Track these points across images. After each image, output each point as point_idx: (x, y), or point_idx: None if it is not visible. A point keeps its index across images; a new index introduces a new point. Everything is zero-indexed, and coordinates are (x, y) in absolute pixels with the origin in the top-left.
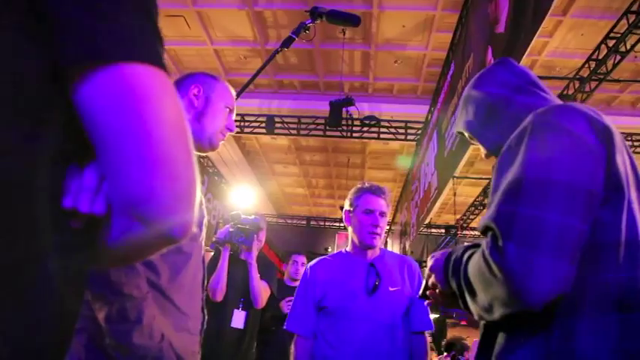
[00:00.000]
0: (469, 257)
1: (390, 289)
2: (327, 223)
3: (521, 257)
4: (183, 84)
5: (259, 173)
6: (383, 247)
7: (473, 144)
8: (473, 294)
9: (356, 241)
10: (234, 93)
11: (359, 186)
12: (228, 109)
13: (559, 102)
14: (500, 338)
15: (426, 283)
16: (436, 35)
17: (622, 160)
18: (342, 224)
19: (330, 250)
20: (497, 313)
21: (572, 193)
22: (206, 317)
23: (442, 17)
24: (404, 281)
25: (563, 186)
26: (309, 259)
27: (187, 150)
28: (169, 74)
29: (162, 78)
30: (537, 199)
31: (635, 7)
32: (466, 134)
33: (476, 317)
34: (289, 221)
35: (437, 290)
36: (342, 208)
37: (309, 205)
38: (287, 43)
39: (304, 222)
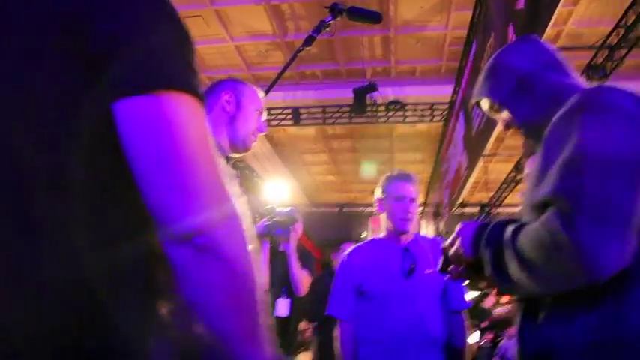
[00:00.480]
0: (516, 230)
1: (426, 271)
2: (359, 209)
3: (594, 231)
4: (214, 91)
5: (289, 164)
6: (417, 230)
7: (492, 115)
8: (527, 267)
9: (390, 227)
10: (262, 95)
11: (389, 174)
12: (258, 112)
13: (586, 82)
14: (546, 308)
15: (446, 255)
16: (455, 14)
17: None
18: (374, 209)
19: (365, 235)
20: (558, 286)
21: (633, 168)
22: None
23: None
24: (438, 263)
25: (625, 162)
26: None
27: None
28: (200, 99)
29: (190, 102)
30: (603, 175)
31: None
32: (486, 104)
33: (517, 289)
34: (322, 209)
35: (461, 259)
36: (374, 192)
37: (341, 192)
38: (309, 42)
39: (337, 209)
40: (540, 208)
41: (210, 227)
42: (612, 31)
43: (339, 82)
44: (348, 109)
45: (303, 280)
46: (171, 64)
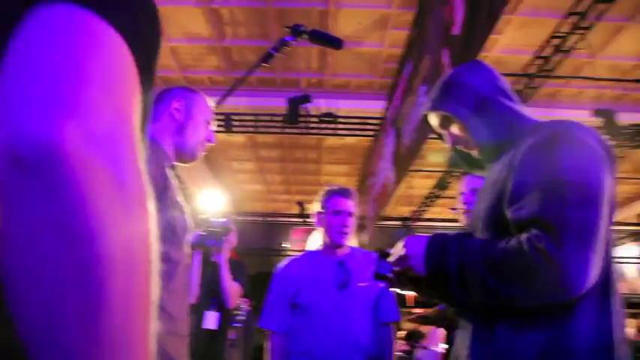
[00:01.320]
0: (485, 246)
1: (360, 284)
2: (282, 219)
3: (577, 253)
4: (164, 98)
5: (215, 171)
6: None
7: (438, 129)
8: (506, 282)
9: (327, 240)
10: (212, 105)
11: (328, 188)
12: (207, 122)
13: (528, 113)
14: (501, 320)
15: (382, 264)
16: (391, 32)
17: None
18: (298, 219)
19: (285, 245)
20: (537, 300)
21: (603, 198)
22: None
23: (397, 15)
24: (372, 277)
25: (598, 193)
26: (267, 256)
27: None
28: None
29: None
30: (582, 203)
31: (576, 9)
32: (434, 119)
33: (481, 302)
34: (246, 218)
35: (404, 273)
36: (299, 203)
37: (265, 202)
38: (267, 58)
39: (260, 218)
40: (523, 226)
41: (50, 128)
42: (531, 62)
43: (272, 90)
44: (280, 118)
45: (233, 292)
46: None
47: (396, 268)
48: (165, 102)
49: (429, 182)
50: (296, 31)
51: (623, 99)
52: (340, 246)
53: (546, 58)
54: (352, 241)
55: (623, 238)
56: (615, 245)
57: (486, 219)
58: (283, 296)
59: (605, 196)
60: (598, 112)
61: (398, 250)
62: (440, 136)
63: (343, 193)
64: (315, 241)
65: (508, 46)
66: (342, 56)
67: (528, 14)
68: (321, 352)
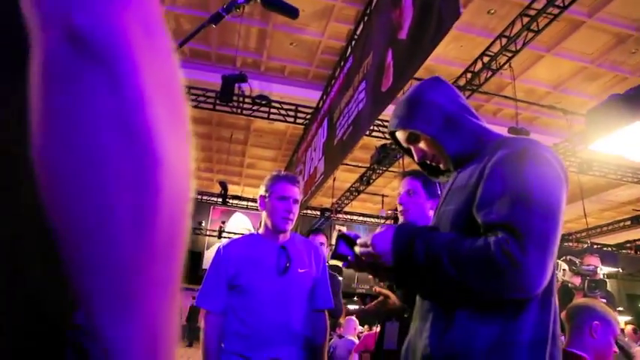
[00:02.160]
0: (453, 243)
1: (299, 270)
2: (203, 197)
3: (538, 258)
4: None
5: None
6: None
7: (406, 144)
8: (472, 277)
9: (269, 224)
10: None
11: (275, 173)
12: None
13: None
14: (458, 313)
15: (341, 245)
16: (334, 24)
17: None
18: (218, 199)
19: (203, 224)
20: (497, 296)
21: (559, 213)
22: None
23: (342, 8)
24: (311, 263)
25: (555, 208)
26: (196, 234)
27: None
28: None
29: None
30: (544, 214)
31: (507, 33)
32: (402, 134)
33: (444, 292)
34: None
35: (375, 263)
36: (221, 183)
37: None
38: (215, 19)
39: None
40: (490, 228)
41: (112, 5)
42: (462, 74)
43: (207, 65)
44: (213, 94)
45: None
46: None
47: (363, 257)
48: None
49: (353, 176)
50: None
51: (536, 121)
52: (283, 231)
53: (475, 73)
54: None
55: None
56: None
57: (454, 220)
58: (222, 276)
59: (560, 211)
60: (513, 131)
61: (365, 246)
62: (405, 151)
63: (290, 179)
64: (237, 222)
65: (441, 55)
66: (281, 40)
67: (463, 30)
68: (256, 335)
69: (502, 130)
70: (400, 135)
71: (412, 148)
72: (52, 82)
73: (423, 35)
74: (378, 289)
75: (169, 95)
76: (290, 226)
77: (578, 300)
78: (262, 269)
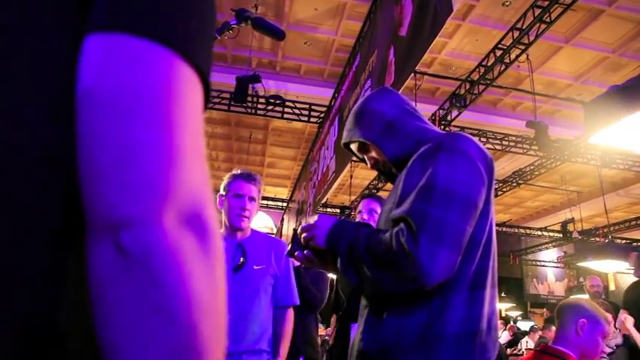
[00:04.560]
0: (370, 234)
1: (255, 267)
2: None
3: (429, 248)
4: None
5: None
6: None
7: (360, 155)
8: (376, 267)
9: (226, 222)
10: None
11: (233, 172)
12: None
13: (436, 128)
14: (389, 309)
15: (296, 239)
16: (346, 22)
17: (493, 182)
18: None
19: None
20: (396, 287)
21: (467, 204)
22: None
23: (353, 6)
24: (270, 260)
25: (462, 198)
26: None
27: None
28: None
29: (189, 75)
30: (444, 204)
31: (519, 25)
32: (354, 146)
33: (365, 285)
34: None
35: (310, 246)
36: None
37: None
38: None
39: None
40: (396, 222)
41: (151, 220)
42: (475, 69)
43: (223, 66)
44: (228, 95)
45: None
46: (182, 23)
47: (303, 236)
48: None
49: (371, 174)
50: (240, 16)
51: (556, 114)
52: (239, 229)
53: (488, 67)
54: (290, 224)
55: (546, 243)
56: (536, 249)
57: (386, 219)
58: None
59: (472, 202)
60: (531, 124)
61: (308, 230)
62: (363, 161)
63: (246, 177)
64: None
65: (456, 50)
66: (296, 40)
67: (477, 22)
68: None
69: (520, 124)
70: (353, 146)
71: (365, 157)
72: (105, 280)
73: (421, 31)
74: None
75: (210, 278)
76: (246, 224)
77: (569, 298)
78: None
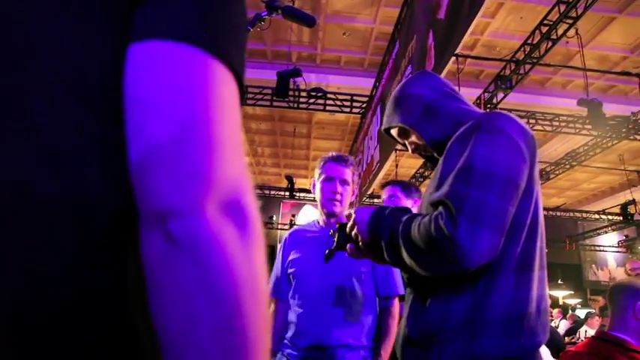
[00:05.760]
0: (408, 220)
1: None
2: (272, 192)
3: (469, 230)
4: None
5: None
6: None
7: (401, 140)
8: (415, 251)
9: (320, 208)
10: None
11: (324, 155)
12: None
13: (478, 109)
14: (433, 294)
15: (342, 234)
16: (384, 10)
17: (537, 161)
18: (286, 193)
19: (274, 218)
20: (437, 270)
21: (507, 183)
22: None
23: None
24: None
25: (502, 177)
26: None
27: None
28: (239, 83)
29: (227, 76)
30: (483, 185)
31: None
32: (395, 131)
33: (408, 270)
34: None
35: (358, 241)
36: (287, 177)
37: (254, 174)
38: None
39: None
40: (435, 205)
41: (196, 210)
42: (520, 48)
43: (263, 62)
44: (270, 91)
45: None
46: (212, 24)
47: (352, 234)
48: None
49: (417, 162)
50: (270, 6)
51: (611, 90)
52: (332, 214)
53: (534, 45)
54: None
55: (605, 227)
56: (594, 234)
57: (427, 205)
58: (282, 266)
59: (513, 182)
60: (583, 102)
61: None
62: (405, 146)
63: (337, 159)
64: (307, 215)
65: (500, 29)
66: (334, 31)
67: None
68: (302, 323)
69: (572, 103)
70: (393, 132)
71: (406, 142)
72: (156, 266)
73: (459, 13)
74: None
75: (250, 262)
76: (338, 208)
77: (621, 279)
78: (309, 255)
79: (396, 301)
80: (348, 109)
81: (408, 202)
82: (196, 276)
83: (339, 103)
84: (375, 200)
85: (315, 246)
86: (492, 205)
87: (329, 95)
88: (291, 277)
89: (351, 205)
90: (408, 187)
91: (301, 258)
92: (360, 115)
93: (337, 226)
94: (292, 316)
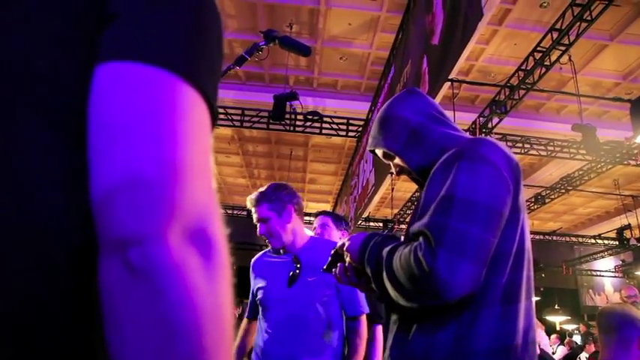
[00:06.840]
0: (391, 251)
1: (309, 279)
2: None
3: (448, 261)
4: None
5: None
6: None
7: (386, 161)
8: (396, 283)
9: None
10: None
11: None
12: None
13: (465, 133)
14: (417, 324)
15: (334, 258)
16: (380, 35)
17: (522, 188)
18: None
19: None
20: (418, 302)
21: (490, 213)
22: None
23: (387, 18)
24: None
25: (484, 207)
26: (249, 250)
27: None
28: (210, 106)
29: (196, 100)
30: (464, 215)
31: (558, 25)
32: (379, 153)
33: (391, 301)
34: (229, 212)
35: (351, 267)
36: None
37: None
38: (239, 62)
39: (245, 213)
40: (416, 236)
41: (157, 237)
42: (514, 73)
43: (261, 86)
44: (267, 114)
45: None
46: (183, 47)
47: (346, 262)
48: None
49: (413, 186)
50: (268, 36)
51: (605, 116)
52: (276, 250)
53: (528, 71)
54: (332, 239)
55: (602, 252)
56: (590, 258)
57: (410, 235)
58: (252, 291)
59: (495, 211)
60: (577, 127)
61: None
62: (390, 167)
63: (251, 202)
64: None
65: (494, 55)
66: (331, 56)
67: (515, 26)
68: (269, 347)
69: (566, 128)
70: (379, 152)
71: (391, 163)
72: (114, 295)
73: (452, 39)
74: None
75: (214, 292)
76: (278, 242)
77: (613, 307)
78: (273, 281)
79: (363, 320)
80: (344, 133)
81: (337, 234)
82: (155, 307)
83: (335, 126)
84: (371, 224)
85: (279, 271)
86: (473, 235)
87: (325, 119)
88: (258, 302)
89: (348, 225)
90: (339, 219)
91: (267, 286)
92: (356, 139)
93: (333, 250)
94: (260, 340)
